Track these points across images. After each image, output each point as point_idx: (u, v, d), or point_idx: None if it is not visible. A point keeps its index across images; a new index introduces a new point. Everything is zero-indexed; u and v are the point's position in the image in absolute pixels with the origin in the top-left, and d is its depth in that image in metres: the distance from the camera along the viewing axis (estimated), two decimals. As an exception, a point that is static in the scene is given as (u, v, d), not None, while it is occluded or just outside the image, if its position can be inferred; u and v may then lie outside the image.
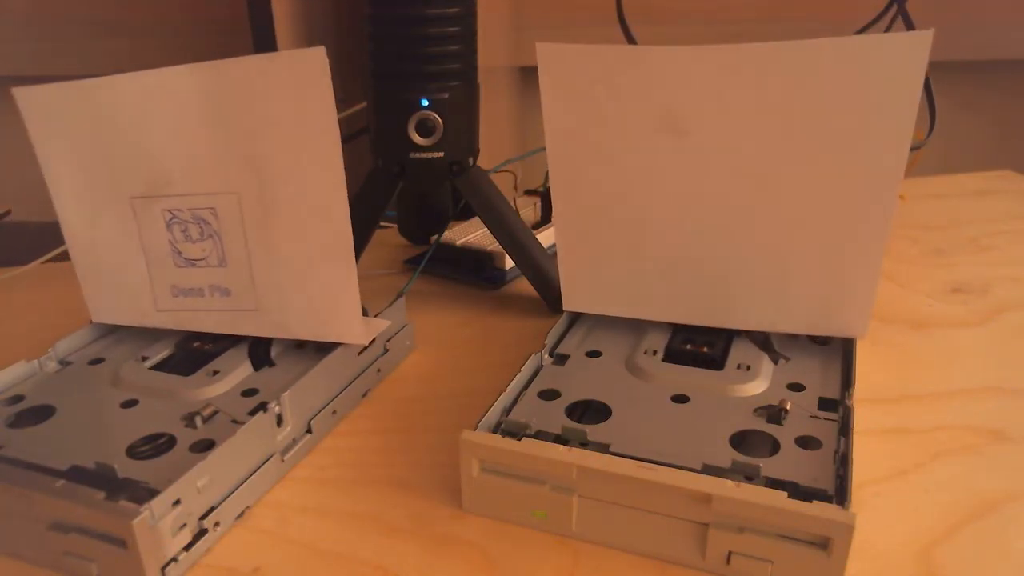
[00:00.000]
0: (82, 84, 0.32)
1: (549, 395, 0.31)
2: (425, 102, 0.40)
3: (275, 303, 0.34)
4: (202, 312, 0.35)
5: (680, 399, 0.31)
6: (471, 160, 0.43)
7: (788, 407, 0.29)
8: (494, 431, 0.28)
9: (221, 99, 0.31)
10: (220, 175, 0.33)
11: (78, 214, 0.35)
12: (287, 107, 0.31)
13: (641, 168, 0.33)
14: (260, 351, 0.35)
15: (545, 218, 0.52)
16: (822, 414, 0.29)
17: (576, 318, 0.38)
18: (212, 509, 0.27)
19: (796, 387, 0.31)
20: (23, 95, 0.33)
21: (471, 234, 0.50)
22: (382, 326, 0.36)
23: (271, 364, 0.34)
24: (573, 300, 0.37)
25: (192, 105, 0.32)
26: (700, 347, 0.34)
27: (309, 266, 0.33)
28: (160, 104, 0.32)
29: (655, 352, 0.34)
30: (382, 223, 0.50)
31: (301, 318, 0.34)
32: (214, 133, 0.32)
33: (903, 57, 0.28)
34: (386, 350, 0.38)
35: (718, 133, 0.31)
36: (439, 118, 0.40)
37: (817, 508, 0.23)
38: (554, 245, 0.49)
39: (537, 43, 0.32)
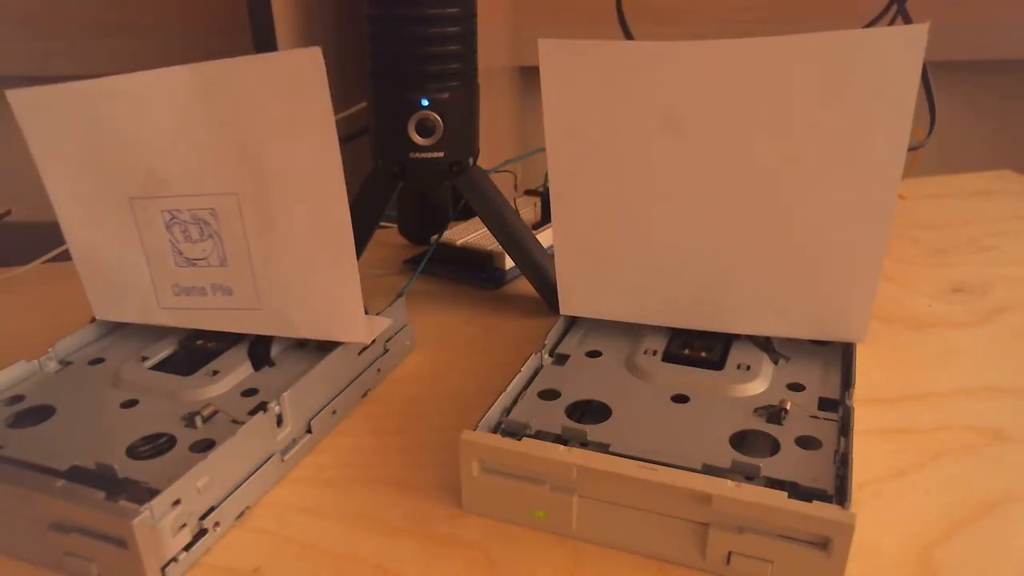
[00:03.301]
0: (77, 86, 0.32)
1: (549, 395, 0.31)
2: (425, 102, 0.40)
3: (278, 302, 0.34)
4: (205, 310, 0.35)
5: (680, 399, 0.31)
6: (471, 160, 0.43)
7: (788, 407, 0.29)
8: (494, 431, 0.28)
9: (217, 100, 0.31)
10: (218, 176, 0.33)
11: (77, 215, 0.35)
12: (284, 107, 0.31)
13: (641, 167, 0.33)
14: (260, 351, 0.35)
15: (545, 218, 0.52)
16: (822, 414, 0.29)
17: (576, 318, 0.38)
18: (212, 509, 0.27)
19: (796, 387, 0.31)
20: (17, 97, 0.33)
21: (471, 234, 0.50)
22: (384, 324, 0.36)
23: (271, 364, 0.34)
24: (570, 304, 0.37)
25: (188, 106, 0.31)
26: (698, 351, 0.34)
27: (311, 266, 0.33)
28: (156, 105, 0.32)
29: (655, 352, 0.34)
30: (382, 223, 0.50)
31: (304, 317, 0.34)
32: (211, 134, 0.32)
33: (899, 51, 0.28)
34: (386, 350, 0.38)
35: (717, 131, 0.31)
36: (439, 118, 0.40)
37: (817, 508, 0.23)
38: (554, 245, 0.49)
39: (539, 39, 0.32)
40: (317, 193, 0.31)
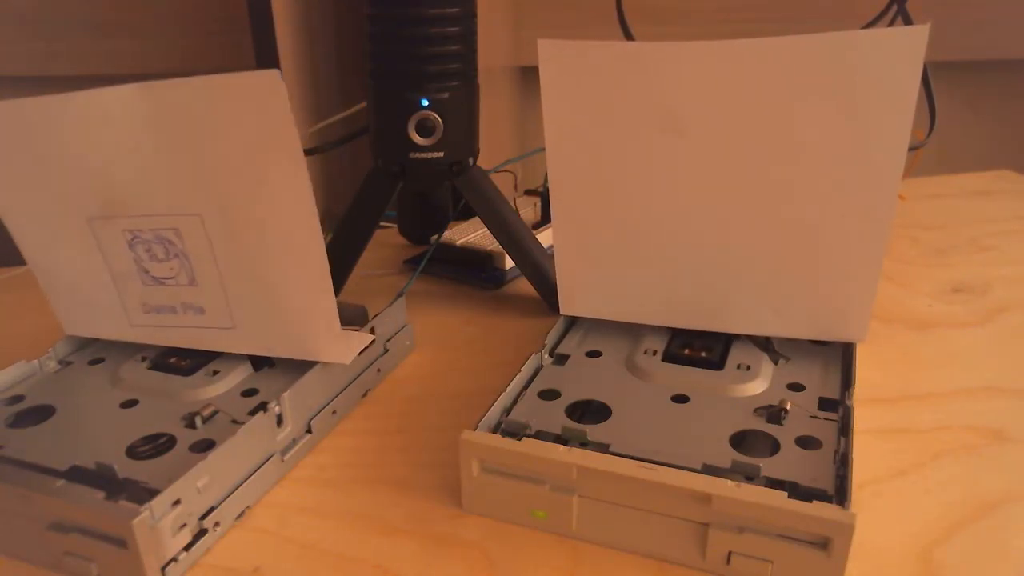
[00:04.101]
0: (27, 103, 0.31)
1: (549, 395, 0.31)
2: (425, 102, 0.40)
3: (252, 322, 0.33)
4: (177, 328, 0.34)
5: (680, 399, 0.31)
6: (471, 160, 0.43)
7: (788, 407, 0.29)
8: (494, 431, 0.28)
9: (172, 120, 0.30)
10: (178, 196, 0.31)
11: (34, 236, 0.34)
12: (245, 131, 0.29)
13: (640, 167, 0.33)
14: (260, 351, 0.35)
15: (545, 218, 0.52)
16: (822, 414, 0.29)
17: (576, 318, 0.38)
18: (212, 509, 0.27)
19: (796, 387, 0.31)
20: None
21: (471, 234, 0.50)
22: (366, 341, 0.35)
23: (271, 364, 0.34)
24: (570, 304, 0.37)
25: (143, 126, 0.30)
26: (698, 352, 0.34)
27: (283, 287, 0.32)
28: (109, 124, 0.30)
29: (655, 352, 0.34)
30: (382, 223, 0.50)
31: (280, 337, 0.33)
32: (167, 154, 0.30)
33: (900, 52, 0.28)
34: (386, 350, 0.38)
35: (716, 132, 0.31)
36: (439, 118, 0.40)
37: (817, 508, 0.23)
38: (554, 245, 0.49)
39: (539, 40, 0.32)
40: (286, 214, 0.30)
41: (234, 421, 0.30)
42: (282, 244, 0.31)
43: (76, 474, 0.27)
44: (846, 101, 0.29)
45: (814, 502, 0.23)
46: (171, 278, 0.33)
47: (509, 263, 0.47)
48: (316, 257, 0.31)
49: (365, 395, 0.36)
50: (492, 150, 0.50)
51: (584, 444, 0.28)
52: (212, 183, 0.31)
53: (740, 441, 0.28)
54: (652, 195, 0.33)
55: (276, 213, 0.30)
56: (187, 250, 0.32)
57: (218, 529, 0.27)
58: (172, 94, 0.29)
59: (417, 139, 0.40)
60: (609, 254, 0.35)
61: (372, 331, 0.36)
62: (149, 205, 0.32)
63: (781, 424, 0.29)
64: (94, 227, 0.33)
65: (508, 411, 0.30)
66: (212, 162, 0.30)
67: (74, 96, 0.30)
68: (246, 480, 0.28)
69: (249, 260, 0.32)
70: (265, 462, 0.29)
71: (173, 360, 0.34)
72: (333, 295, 0.32)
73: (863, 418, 0.31)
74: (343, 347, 0.33)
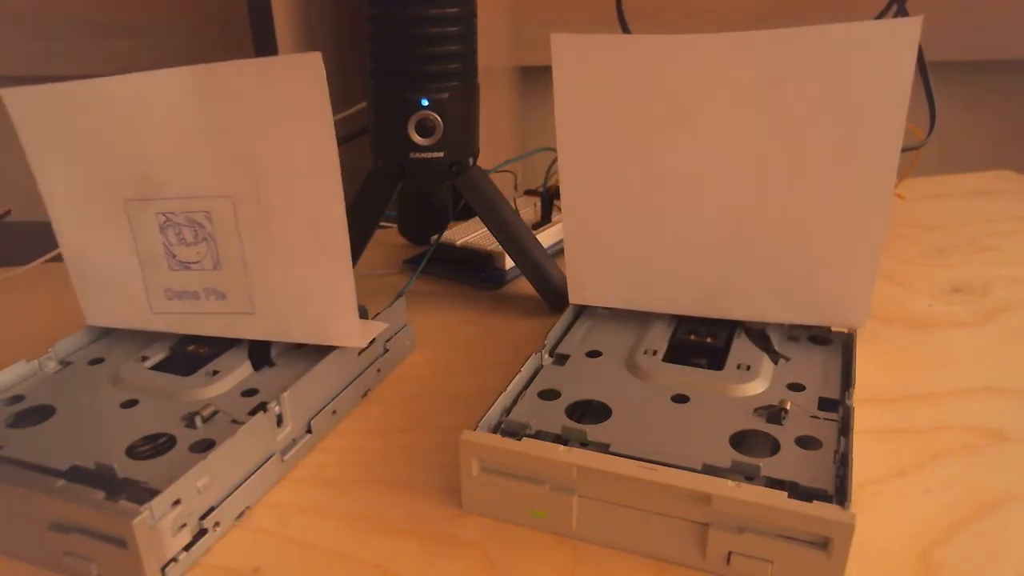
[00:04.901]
0: (74, 86, 0.32)
1: (549, 395, 0.31)
2: (425, 102, 0.40)
3: (271, 306, 0.34)
4: (198, 315, 0.35)
5: (680, 399, 0.31)
6: (471, 160, 0.43)
7: (788, 407, 0.29)
8: (494, 431, 0.28)
9: (215, 102, 0.31)
10: (214, 178, 0.32)
11: (71, 217, 0.35)
12: (283, 112, 0.30)
13: (649, 157, 0.34)
14: (260, 351, 0.35)
15: (545, 218, 0.52)
16: (822, 414, 0.29)
17: (576, 317, 0.38)
18: (212, 509, 0.27)
19: (796, 387, 0.31)
20: (12, 97, 0.33)
21: (471, 234, 0.50)
22: (379, 328, 0.36)
23: (271, 364, 0.34)
24: (579, 293, 0.37)
25: (186, 108, 0.31)
26: (704, 338, 0.34)
27: (305, 270, 0.33)
28: (153, 106, 0.32)
29: (655, 352, 0.34)
30: (382, 223, 0.50)
31: (297, 322, 0.34)
32: (208, 136, 0.32)
33: (894, 43, 0.29)
34: (386, 350, 0.38)
35: (720, 121, 0.32)
36: (439, 118, 0.40)
37: (817, 508, 0.23)
38: (554, 245, 0.49)
39: (552, 34, 0.32)
40: (314, 199, 0.31)
41: (234, 421, 0.30)
42: (308, 226, 0.32)
43: (76, 474, 0.27)
44: (844, 89, 0.30)
45: (814, 502, 0.23)
46: (197, 262, 0.34)
47: (509, 263, 0.47)
48: (340, 241, 0.32)
49: (365, 395, 0.36)
50: (492, 150, 0.50)
51: (584, 444, 0.28)
52: (248, 164, 0.32)
53: (740, 441, 0.28)
54: (660, 184, 0.34)
55: (305, 195, 0.31)
56: (215, 234, 0.33)
57: (218, 529, 0.27)
58: (216, 76, 0.31)
59: (417, 139, 0.40)
60: (618, 243, 0.36)
61: (372, 331, 0.36)
62: (186, 187, 0.33)
63: (781, 424, 0.29)
64: (129, 209, 0.34)
65: (508, 411, 0.30)
66: (250, 143, 0.31)
67: (121, 79, 0.32)
68: (246, 480, 0.28)
69: (274, 243, 0.33)
70: (265, 462, 0.29)
71: (191, 348, 0.35)
72: (352, 280, 0.33)
73: (863, 418, 0.31)
74: (358, 332, 0.34)
